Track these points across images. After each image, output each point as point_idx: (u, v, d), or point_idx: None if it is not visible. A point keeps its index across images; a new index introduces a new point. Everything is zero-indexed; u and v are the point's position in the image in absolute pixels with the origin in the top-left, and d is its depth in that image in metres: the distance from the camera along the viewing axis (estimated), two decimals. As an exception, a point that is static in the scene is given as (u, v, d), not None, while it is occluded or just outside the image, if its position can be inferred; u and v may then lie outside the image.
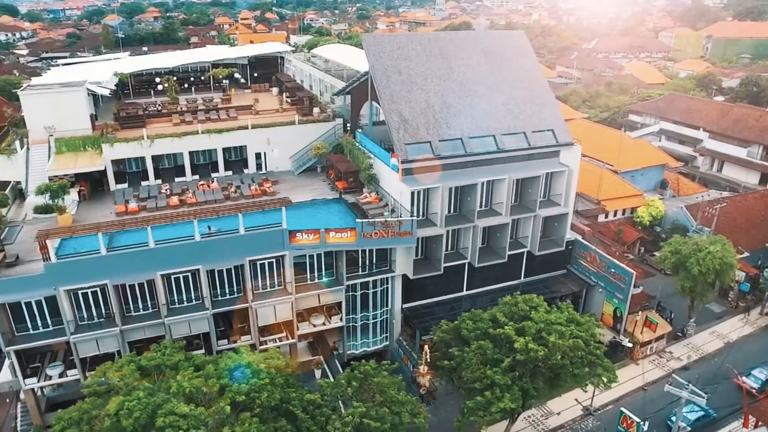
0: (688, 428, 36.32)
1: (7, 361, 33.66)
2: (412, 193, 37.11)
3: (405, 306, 40.67)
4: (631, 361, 43.10)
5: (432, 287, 40.76)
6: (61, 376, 33.27)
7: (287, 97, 54.19)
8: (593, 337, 32.20)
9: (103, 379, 26.29)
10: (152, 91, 57.35)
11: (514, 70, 43.01)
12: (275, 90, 58.21)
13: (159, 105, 51.55)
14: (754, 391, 39.97)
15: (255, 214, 34.40)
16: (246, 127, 44.66)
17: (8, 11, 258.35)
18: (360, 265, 37.96)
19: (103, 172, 41.59)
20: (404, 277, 39.26)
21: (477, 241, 39.90)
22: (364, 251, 37.56)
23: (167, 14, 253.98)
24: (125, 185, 42.56)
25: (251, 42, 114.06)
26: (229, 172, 45.51)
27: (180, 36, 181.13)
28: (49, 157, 40.62)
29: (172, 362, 27.22)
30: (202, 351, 34.34)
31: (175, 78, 57.30)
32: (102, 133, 42.55)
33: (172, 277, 33.27)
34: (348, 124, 46.79)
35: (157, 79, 57.76)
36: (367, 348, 40.85)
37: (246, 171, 45.83)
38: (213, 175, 44.83)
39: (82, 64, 63.52)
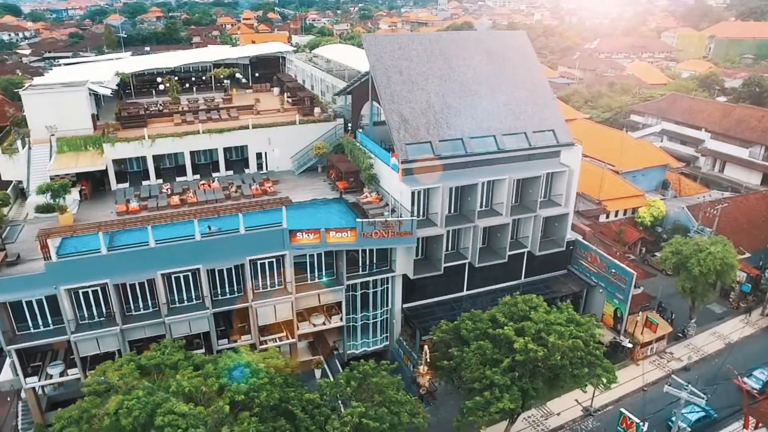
0: (688, 429, 36.35)
1: (8, 360, 33.78)
2: (413, 193, 37.13)
3: (405, 306, 40.70)
4: (632, 361, 43.06)
5: (432, 287, 40.78)
6: (61, 375, 33.37)
7: (288, 97, 54.26)
8: (593, 337, 32.18)
9: (102, 378, 26.35)
10: (154, 91, 57.44)
11: (515, 71, 43.00)
12: (276, 90, 58.25)
13: (160, 105, 51.66)
14: (754, 392, 39.88)
15: (255, 214, 34.46)
16: (247, 127, 44.73)
17: (11, 11, 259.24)
18: (360, 264, 38.00)
19: (105, 172, 41.70)
20: (404, 277, 39.28)
21: (477, 241, 39.89)
22: (364, 251, 37.60)
23: (170, 14, 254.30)
24: (126, 185, 42.66)
25: (253, 42, 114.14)
26: (230, 172, 45.58)
27: (182, 36, 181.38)
28: (50, 156, 40.73)
29: (171, 361, 27.30)
30: (203, 350, 34.41)
31: (176, 78, 57.45)
32: (103, 132, 42.67)
33: (173, 276, 33.34)
34: (349, 124, 46.84)
35: (159, 79, 57.88)
36: (368, 348, 40.88)
37: (247, 171, 45.89)
38: (214, 174, 44.90)
39: (83, 63, 63.67)
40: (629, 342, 42.52)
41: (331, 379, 31.30)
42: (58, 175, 38.55)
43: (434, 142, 38.20)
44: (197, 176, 44.42)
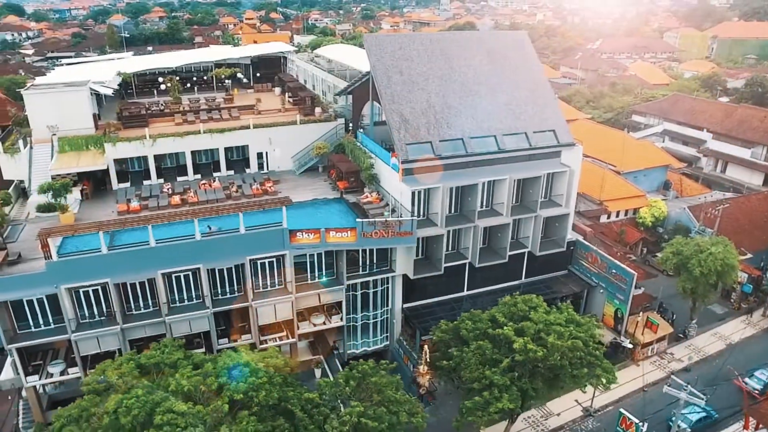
0: (689, 429, 36.38)
1: (9, 359, 33.86)
2: (413, 193, 37.16)
3: (405, 306, 40.71)
4: (632, 362, 43.01)
5: (432, 287, 40.79)
6: (62, 373, 33.47)
7: (289, 96, 54.30)
8: (593, 337, 32.15)
9: (102, 377, 26.42)
10: (155, 91, 57.54)
11: (515, 71, 42.99)
12: (278, 90, 58.29)
13: (162, 105, 51.76)
14: (755, 393, 39.78)
15: (256, 214, 34.53)
16: (248, 127, 44.80)
17: (15, 11, 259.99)
18: (360, 264, 38.04)
19: (106, 171, 41.80)
20: (405, 277, 39.30)
21: (478, 241, 39.88)
22: (364, 251, 37.64)
23: (172, 14, 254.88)
24: (127, 184, 42.75)
25: (255, 42, 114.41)
26: (231, 172, 45.64)
27: (184, 36, 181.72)
28: (52, 156, 40.84)
29: (171, 360, 27.36)
30: (203, 350, 34.46)
31: (178, 78, 57.55)
32: (105, 132, 42.79)
33: (173, 275, 33.40)
34: (350, 124, 46.88)
35: (160, 79, 57.98)
36: (368, 348, 40.90)
37: (248, 170, 45.95)
38: (215, 174, 44.97)
39: (85, 63, 63.84)
40: (629, 342, 42.47)
41: (331, 379, 31.36)
42: (59, 175, 38.64)
43: (434, 142, 38.21)
44: (198, 176, 44.49)
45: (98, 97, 47.77)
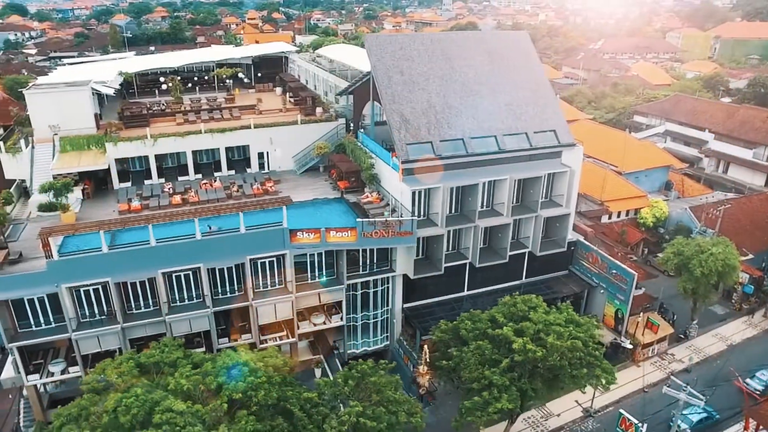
0: (689, 430, 36.33)
1: (10, 358, 33.97)
2: (413, 193, 37.19)
3: (406, 306, 40.73)
4: (633, 362, 42.95)
5: (433, 287, 40.80)
6: (63, 372, 33.59)
7: (290, 96, 54.37)
8: (592, 338, 32.14)
9: (101, 376, 26.49)
10: (157, 91, 57.67)
11: (516, 71, 42.98)
12: (279, 90, 58.42)
13: (163, 104, 51.87)
14: (756, 393, 39.69)
15: (256, 213, 34.59)
16: (249, 127, 44.87)
17: (18, 11, 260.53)
18: (361, 264, 38.07)
19: (107, 171, 41.90)
20: (405, 276, 39.33)
21: (478, 241, 39.88)
22: (364, 251, 37.68)
23: (175, 14, 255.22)
24: (129, 184, 42.84)
25: (257, 42, 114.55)
26: (232, 172, 45.71)
27: (187, 36, 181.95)
28: (53, 155, 40.97)
29: (170, 360, 27.41)
30: (203, 349, 34.52)
31: (179, 78, 57.68)
32: (106, 132, 42.90)
33: (173, 275, 33.48)
34: (351, 124, 46.91)
35: (162, 79, 58.10)
36: (368, 347, 40.93)
37: (249, 170, 46.02)
38: (216, 174, 45.06)
39: (87, 63, 64.01)
40: (630, 343, 42.41)
41: (331, 379, 31.38)
42: (60, 174, 38.72)
43: (435, 142, 38.22)
44: (199, 176, 44.56)
45: (100, 96, 47.93)
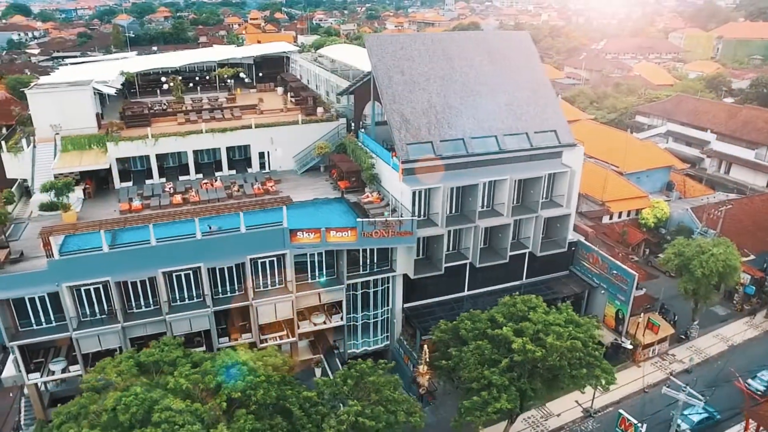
0: (689, 430, 36.29)
1: (11, 356, 34.08)
2: (413, 193, 37.20)
3: (406, 306, 40.75)
4: (633, 363, 42.91)
5: (433, 287, 40.81)
6: (63, 371, 33.66)
7: (292, 96, 54.44)
8: (592, 338, 32.11)
9: (100, 375, 26.57)
10: (158, 91, 57.80)
11: (517, 71, 42.96)
12: (280, 90, 58.50)
13: (164, 104, 51.98)
14: (758, 394, 39.57)
15: (256, 213, 34.63)
16: (250, 127, 44.94)
17: (21, 11, 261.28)
18: (361, 264, 38.10)
19: (108, 171, 42.05)
20: (405, 276, 39.35)
21: (478, 241, 39.88)
22: (365, 250, 37.71)
23: (177, 14, 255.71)
24: (130, 183, 42.93)
25: (259, 42, 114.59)
26: (233, 171, 45.77)
27: (189, 36, 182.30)
28: (54, 155, 41.09)
29: (170, 359, 27.48)
30: (203, 348, 34.60)
31: (181, 77, 57.80)
32: (107, 131, 43.02)
33: (174, 274, 33.54)
34: (352, 124, 46.95)
35: (163, 79, 58.20)
36: (368, 347, 40.96)
37: (249, 170, 46.09)
38: (217, 173, 45.13)
39: (89, 63, 64.18)
40: (630, 343, 42.35)
41: (331, 378, 31.41)
42: (62, 174, 38.78)
43: (435, 142, 38.24)
44: (200, 175, 44.66)
45: (101, 96, 48.11)
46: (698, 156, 76.63)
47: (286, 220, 34.35)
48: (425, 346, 35.56)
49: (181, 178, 44.14)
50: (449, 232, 39.45)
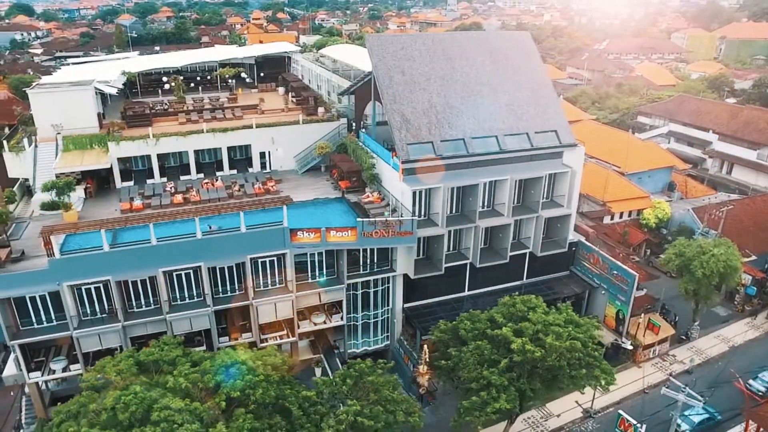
0: (689, 431, 36.25)
1: (12, 355, 34.19)
2: (414, 193, 37.22)
3: (406, 306, 40.77)
4: (633, 363, 42.86)
5: (433, 287, 40.83)
6: (64, 370, 33.74)
7: (293, 96, 54.49)
8: (592, 338, 32.07)
9: (100, 375, 26.64)
10: (160, 90, 57.89)
11: (518, 71, 42.95)
12: (281, 90, 58.56)
13: (166, 104, 52.07)
14: (759, 395, 39.49)
15: (257, 213, 34.69)
16: (251, 127, 44.99)
17: (24, 11, 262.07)
18: (361, 264, 38.14)
19: (110, 170, 42.14)
20: (405, 276, 39.37)
21: (479, 241, 39.87)
22: (365, 250, 37.75)
23: (180, 14, 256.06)
24: (131, 183, 43.00)
25: (260, 42, 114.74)
26: (234, 171, 45.82)
27: (192, 36, 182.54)
28: (56, 154, 41.20)
29: (169, 358, 27.54)
30: (203, 348, 34.67)
31: (182, 77, 57.86)
32: (108, 131, 43.12)
33: (174, 274, 33.64)
34: (353, 124, 46.99)
35: (165, 79, 58.30)
36: (368, 347, 41.00)
37: (250, 170, 46.15)
38: (218, 173, 45.20)
39: (91, 63, 64.34)
40: (630, 344, 42.29)
41: (330, 378, 31.45)
42: (63, 173, 38.93)
43: (436, 142, 38.26)
44: (201, 175, 44.75)
45: (103, 96, 48.19)
46: (700, 156, 76.49)
47: (287, 219, 34.42)
48: (425, 346, 35.57)
49: (182, 177, 44.22)
50: (449, 232, 39.47)
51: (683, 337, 46.11)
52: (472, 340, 32.32)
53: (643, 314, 43.92)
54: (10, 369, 34.80)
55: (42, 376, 33.55)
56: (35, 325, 32.37)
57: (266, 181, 43.08)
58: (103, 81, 47.05)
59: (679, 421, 35.86)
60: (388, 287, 39.70)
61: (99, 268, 31.75)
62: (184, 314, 34.04)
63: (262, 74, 63.98)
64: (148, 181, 43.35)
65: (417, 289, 40.38)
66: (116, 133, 42.70)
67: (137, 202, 38.98)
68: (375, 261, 38.55)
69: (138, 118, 46.13)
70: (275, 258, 35.35)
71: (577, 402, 38.76)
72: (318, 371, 38.59)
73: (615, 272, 41.67)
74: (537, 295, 35.89)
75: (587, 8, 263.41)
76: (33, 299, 31.69)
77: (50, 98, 42.39)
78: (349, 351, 40.22)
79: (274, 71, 64.14)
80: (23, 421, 35.95)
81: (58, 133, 41.94)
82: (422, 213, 38.78)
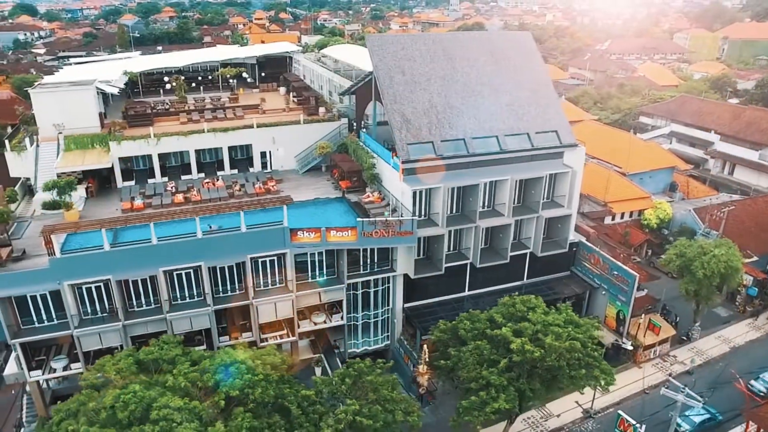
0: (690, 430, 36.23)
1: (13, 354, 34.29)
2: (414, 193, 37.24)
3: (406, 306, 40.80)
4: (634, 364, 42.80)
5: (433, 287, 40.85)
6: (65, 369, 33.83)
7: (294, 96, 54.55)
8: (591, 339, 32.04)
9: (100, 374, 26.72)
10: (161, 90, 58.00)
11: (518, 71, 42.94)
12: (282, 89, 58.65)
13: (167, 104, 52.18)
14: (761, 395, 39.43)
15: (257, 212, 34.75)
16: (252, 126, 45.07)
17: (28, 11, 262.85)
18: (361, 264, 38.18)
19: (111, 170, 42.24)
20: (405, 276, 39.40)
21: (479, 241, 39.87)
22: (365, 250, 37.80)
23: (182, 14, 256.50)
24: (132, 182, 43.10)
25: (262, 42, 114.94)
26: (235, 171, 45.89)
27: (194, 36, 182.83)
28: (57, 154, 41.33)
29: (169, 357, 27.61)
30: (204, 347, 34.74)
31: (183, 77, 57.97)
32: (110, 131, 43.24)
33: (175, 273, 33.74)
34: (353, 124, 47.03)
35: (166, 78, 58.41)
36: (368, 347, 41.04)
37: (251, 169, 46.22)
38: (219, 173, 45.27)
39: (93, 63, 64.50)
40: (631, 345, 42.24)
41: (329, 377, 31.48)
42: (64, 173, 39.06)
43: (436, 143, 38.27)
44: (202, 175, 44.82)
45: (105, 96, 48.29)
46: (702, 157, 76.34)
47: (287, 219, 34.48)
48: (425, 346, 35.61)
49: (183, 177, 44.29)
50: (450, 232, 39.49)
51: (684, 338, 46.04)
52: (471, 340, 32.34)
53: (643, 315, 43.85)
54: (11, 367, 34.90)
55: (43, 374, 33.68)
56: (36, 324, 32.50)
57: (267, 180, 43.14)
58: (105, 81, 47.18)
59: (680, 421, 35.89)
60: (389, 287, 39.74)
61: (100, 268, 31.84)
62: (185, 313, 34.14)
63: (263, 74, 64.07)
64: (149, 181, 43.45)
65: (417, 289, 40.40)
66: (117, 133, 42.81)
67: (138, 202, 39.07)
68: (375, 261, 38.59)
69: (139, 117, 46.25)
70: (275, 258, 35.41)
71: (577, 402, 38.74)
72: (318, 371, 38.61)
73: (615, 273, 41.63)
74: (537, 295, 35.87)
75: (590, 8, 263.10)
76: (34, 298, 31.82)
77: (52, 98, 42.53)
78: (349, 351, 40.26)
79: (275, 71, 64.23)
80: (24, 420, 36.05)
81: (60, 133, 42.08)
82: (422, 213, 38.81)
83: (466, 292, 42.20)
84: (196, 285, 34.51)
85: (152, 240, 32.40)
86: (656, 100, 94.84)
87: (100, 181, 42.45)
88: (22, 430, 35.68)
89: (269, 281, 36.13)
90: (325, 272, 37.88)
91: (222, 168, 45.66)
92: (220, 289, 35.40)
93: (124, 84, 52.67)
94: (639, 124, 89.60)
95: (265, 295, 35.85)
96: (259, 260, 35.13)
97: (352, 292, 38.62)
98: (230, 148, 45.63)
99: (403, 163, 37.00)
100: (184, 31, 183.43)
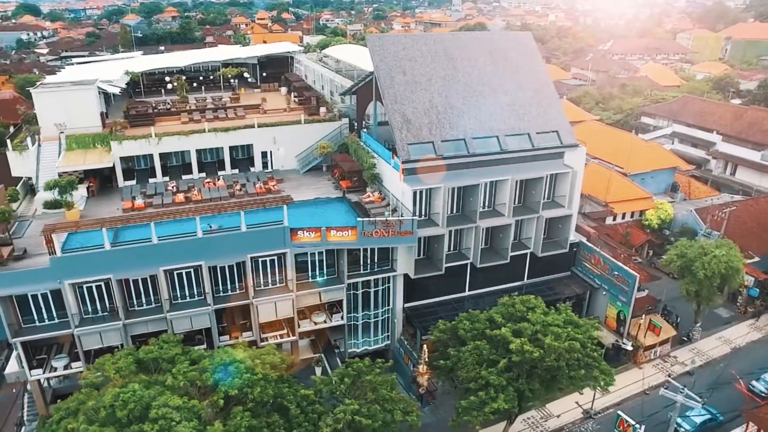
0: (690, 431, 36.20)
1: (14, 353, 34.40)
2: (414, 193, 37.27)
3: (407, 305, 40.83)
4: (634, 365, 42.75)
5: (434, 287, 40.86)
6: (65, 368, 33.95)
7: (295, 96, 54.61)
8: (591, 339, 32.02)
9: (99, 372, 26.80)
10: (163, 90, 58.10)
11: (519, 71, 42.94)
12: (284, 89, 58.72)
13: (168, 103, 52.29)
14: (761, 396, 39.36)
15: (257, 212, 34.81)
16: (252, 126, 45.14)
17: (31, 11, 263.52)
18: (362, 263, 38.22)
19: (112, 169, 42.36)
20: (406, 276, 39.43)
21: (479, 241, 39.88)
22: (365, 250, 37.84)
23: (185, 14, 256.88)
24: (133, 182, 43.19)
25: (264, 42, 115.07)
26: (236, 170, 45.97)
27: (196, 36, 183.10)
28: (59, 153, 41.45)
29: (168, 356, 27.68)
30: (204, 346, 34.82)
31: (185, 77, 58.08)
32: (111, 130, 43.34)
33: (175, 272, 33.85)
34: (354, 124, 47.08)
35: (168, 78, 58.53)
36: (369, 347, 41.08)
37: (252, 169, 46.30)
38: (220, 173, 45.34)
39: (95, 62, 64.66)
40: (631, 345, 42.20)
41: (328, 377, 31.51)
42: (66, 172, 39.21)
43: (436, 143, 38.29)
44: (203, 174, 44.92)
45: (106, 95, 48.44)
46: (704, 157, 76.17)
47: (287, 219, 34.54)
48: (425, 346, 35.62)
49: (184, 176, 44.39)
50: (450, 232, 39.51)
51: (685, 339, 45.96)
52: (471, 340, 32.34)
53: (644, 315, 43.81)
54: (12, 366, 35.01)
55: (43, 373, 33.80)
56: (37, 323, 32.65)
57: (268, 180, 43.21)
58: (107, 80, 47.32)
59: (681, 421, 35.89)
60: (389, 287, 39.77)
61: (100, 267, 31.95)
62: (185, 313, 34.23)
63: (264, 74, 64.17)
64: (150, 180, 43.55)
65: (417, 289, 40.42)
66: (119, 133, 42.92)
67: (139, 201, 39.16)
68: (375, 261, 38.63)
69: (141, 117, 46.36)
70: (276, 257, 35.48)
71: (577, 403, 38.71)
72: (318, 370, 38.63)
73: (616, 273, 41.61)
74: (538, 295, 35.86)
75: (592, 9, 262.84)
76: (35, 297, 31.96)
77: (53, 97, 42.70)
78: (349, 350, 40.30)
79: (276, 71, 64.32)
80: (25, 418, 36.18)
81: (62, 132, 42.22)
82: (423, 213, 38.83)
83: (467, 292, 42.21)
84: (196, 284, 34.61)
85: (153, 239, 32.49)
86: (658, 101, 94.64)
87: (101, 181, 42.58)
88: (23, 428, 35.80)
89: (269, 281, 36.21)
90: (325, 272, 37.93)
91: (223, 168, 45.75)
92: (221, 289, 35.49)
93: (126, 84, 52.78)
94: (641, 125, 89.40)
95: (265, 294, 35.93)
96: (260, 260, 35.21)
97: (352, 291, 38.67)
98: (231, 148, 45.72)
99: (403, 163, 37.03)
100: (186, 31, 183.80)
